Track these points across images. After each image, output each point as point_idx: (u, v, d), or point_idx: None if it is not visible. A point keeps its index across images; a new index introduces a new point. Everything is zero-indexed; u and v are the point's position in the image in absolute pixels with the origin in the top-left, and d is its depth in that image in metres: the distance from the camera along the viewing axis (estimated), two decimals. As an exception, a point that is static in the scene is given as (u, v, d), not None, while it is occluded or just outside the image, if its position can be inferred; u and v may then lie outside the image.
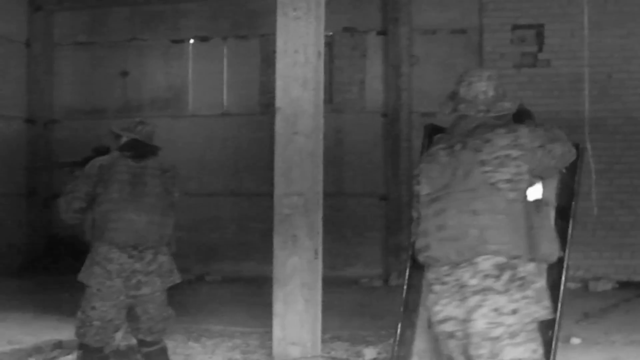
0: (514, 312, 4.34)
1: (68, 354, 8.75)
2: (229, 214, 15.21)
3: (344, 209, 14.58)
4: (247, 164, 14.91)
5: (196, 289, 13.57)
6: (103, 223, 6.56)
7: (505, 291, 4.35)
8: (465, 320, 4.41)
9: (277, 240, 8.23)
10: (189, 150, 15.57)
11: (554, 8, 13.89)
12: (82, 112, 16.22)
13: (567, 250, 5.13)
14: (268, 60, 14.02)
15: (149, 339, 6.85)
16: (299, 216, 8.18)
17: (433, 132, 5.40)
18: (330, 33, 14.15)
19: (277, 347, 8.12)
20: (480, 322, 4.36)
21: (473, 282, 4.39)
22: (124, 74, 16.09)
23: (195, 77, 15.86)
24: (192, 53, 15.92)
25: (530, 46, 14.07)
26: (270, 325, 8.22)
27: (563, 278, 5.18)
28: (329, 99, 13.71)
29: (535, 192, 4.51)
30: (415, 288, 5.64)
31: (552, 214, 4.83)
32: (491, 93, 4.65)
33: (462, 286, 4.43)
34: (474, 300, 4.38)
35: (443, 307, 4.51)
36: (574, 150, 4.66)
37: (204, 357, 8.90)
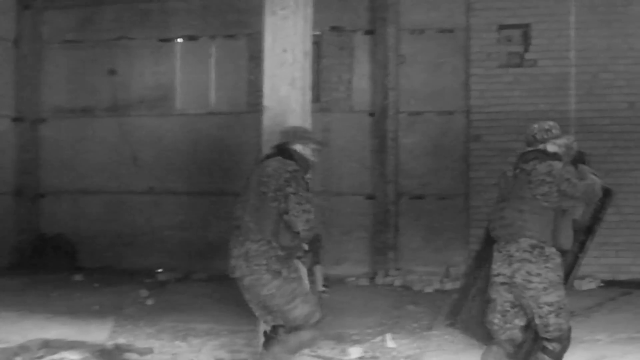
0: (538, 275, 6.56)
1: (54, 353, 8.76)
2: (216, 212, 15.21)
3: (331, 208, 14.61)
4: (235, 162, 14.90)
5: (183, 288, 13.58)
6: None
7: (535, 262, 6.58)
8: (510, 277, 6.67)
9: (264, 239, 8.24)
10: (176, 148, 15.59)
11: (541, 8, 13.92)
12: (71, 110, 16.20)
13: (583, 254, 7.12)
14: (256, 59, 14.01)
15: None
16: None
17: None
18: (318, 32, 14.16)
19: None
20: (518, 279, 6.62)
21: (516, 254, 6.65)
22: (113, 72, 16.08)
23: (183, 76, 15.86)
24: (180, 52, 15.92)
25: (516, 46, 14.10)
26: (256, 324, 8.24)
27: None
28: (316, 98, 13.74)
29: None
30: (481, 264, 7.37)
31: (570, 223, 6.77)
32: (539, 137, 6.85)
33: (510, 256, 6.68)
34: (516, 265, 6.64)
35: (498, 267, 6.77)
36: (597, 191, 6.75)
37: (191, 356, 8.93)
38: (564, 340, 6.75)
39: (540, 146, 6.78)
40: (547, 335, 6.69)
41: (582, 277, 12.80)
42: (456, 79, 14.40)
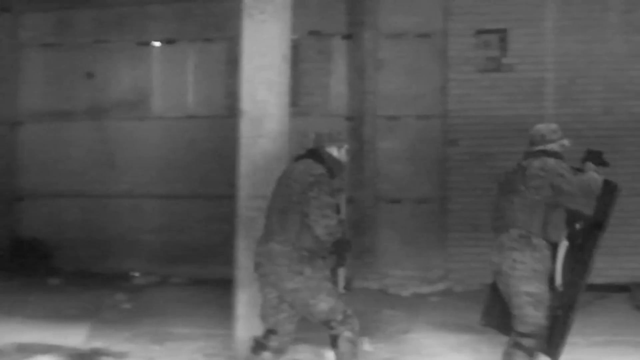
0: (523, 262, 6.76)
1: (30, 356, 8.74)
2: (194, 216, 15.20)
3: (309, 212, 14.60)
4: (212, 166, 14.89)
5: (160, 292, 13.56)
6: None
7: (522, 250, 6.79)
8: (499, 264, 6.91)
9: (239, 243, 8.27)
10: (154, 152, 15.56)
11: (518, 13, 13.99)
12: (48, 114, 16.14)
13: (596, 250, 7.15)
14: (234, 63, 13.94)
15: None
16: (263, 219, 8.22)
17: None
18: (297, 37, 14.17)
19: (240, 349, 8.15)
20: (505, 267, 6.85)
21: (507, 243, 6.87)
22: (91, 76, 16.03)
23: (161, 80, 15.83)
24: (159, 55, 15.89)
25: (494, 51, 14.16)
26: (233, 328, 8.25)
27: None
28: (294, 102, 13.69)
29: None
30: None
31: (563, 217, 6.93)
32: (548, 138, 7.13)
33: (501, 245, 6.92)
34: (505, 254, 6.86)
35: (492, 256, 7.02)
36: (594, 187, 6.89)
37: (167, 360, 8.93)
38: (539, 338, 6.79)
39: (548, 146, 7.07)
40: (522, 329, 6.77)
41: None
42: (434, 84, 14.43)
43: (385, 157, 14.64)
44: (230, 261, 8.45)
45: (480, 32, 14.17)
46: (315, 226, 6.52)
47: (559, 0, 13.98)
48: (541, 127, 7.19)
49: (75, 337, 9.73)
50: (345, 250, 6.91)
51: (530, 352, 6.79)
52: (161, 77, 15.82)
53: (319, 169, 6.74)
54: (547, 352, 7.05)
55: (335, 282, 6.92)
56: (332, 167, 6.86)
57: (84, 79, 16.03)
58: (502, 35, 14.11)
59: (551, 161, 6.90)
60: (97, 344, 9.43)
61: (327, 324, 6.75)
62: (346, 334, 6.75)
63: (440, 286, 13.78)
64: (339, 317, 6.73)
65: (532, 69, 13.97)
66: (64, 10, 16.12)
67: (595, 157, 7.19)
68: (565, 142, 7.17)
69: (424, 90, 14.49)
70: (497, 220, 7.06)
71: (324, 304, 6.67)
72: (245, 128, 8.25)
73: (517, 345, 6.80)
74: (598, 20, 13.89)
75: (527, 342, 6.78)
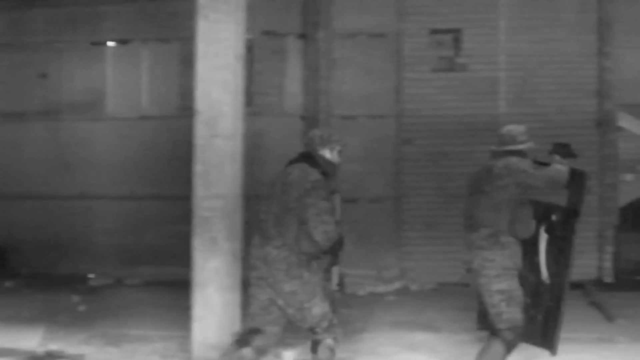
0: (492, 261, 6.99)
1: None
2: (150, 217, 15.13)
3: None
4: (167, 166, 14.82)
5: (116, 293, 13.49)
6: None
7: (490, 249, 7.01)
8: (469, 262, 7.16)
9: (196, 243, 8.25)
10: (108, 153, 15.46)
11: (472, 13, 14.09)
12: (1, 115, 15.99)
13: (574, 236, 7.40)
14: (188, 64, 13.92)
15: None
16: (219, 219, 8.22)
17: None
18: (252, 36, 14.16)
19: (197, 350, 8.15)
20: (475, 265, 7.09)
21: (476, 242, 7.09)
22: (43, 76, 15.89)
23: (114, 80, 15.74)
24: (112, 56, 15.80)
25: (448, 50, 14.25)
26: (190, 329, 8.23)
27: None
28: (249, 102, 13.70)
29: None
30: None
31: (530, 213, 7.15)
32: (507, 138, 7.34)
33: (471, 243, 7.15)
34: (475, 252, 7.10)
35: (464, 254, 7.25)
36: (560, 178, 7.13)
37: (123, 362, 8.89)
38: (517, 331, 7.02)
39: (518, 147, 7.30)
40: (500, 326, 6.98)
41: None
42: (388, 83, 14.48)
43: (340, 156, 14.63)
44: (187, 262, 8.42)
45: (434, 32, 14.26)
46: (315, 232, 6.57)
47: (512, 0, 14.10)
48: (512, 128, 7.40)
49: (30, 340, 9.64)
50: (339, 250, 6.99)
51: (508, 344, 7.00)
52: (115, 77, 15.73)
53: (315, 175, 6.76)
54: (544, 345, 7.38)
55: (329, 280, 7.00)
56: (326, 170, 6.90)
57: (36, 79, 15.89)
58: (455, 35, 14.21)
59: (514, 160, 7.13)
60: (52, 346, 9.36)
61: (312, 329, 6.82)
62: (328, 341, 6.84)
63: (396, 285, 13.83)
64: (325, 324, 6.81)
65: (485, 68, 14.08)
66: (16, 10, 15.97)
67: (562, 150, 7.42)
68: (531, 144, 7.39)
69: (378, 90, 14.53)
70: (468, 220, 7.27)
71: (318, 309, 6.75)
72: (200, 128, 8.25)
73: (497, 339, 7.02)
74: (550, 21, 14.03)
75: (506, 335, 6.98)
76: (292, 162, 6.99)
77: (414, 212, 14.13)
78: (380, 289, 13.36)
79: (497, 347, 6.98)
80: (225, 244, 8.23)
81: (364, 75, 14.60)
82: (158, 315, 10.96)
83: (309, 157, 6.94)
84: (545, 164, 7.28)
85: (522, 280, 7.12)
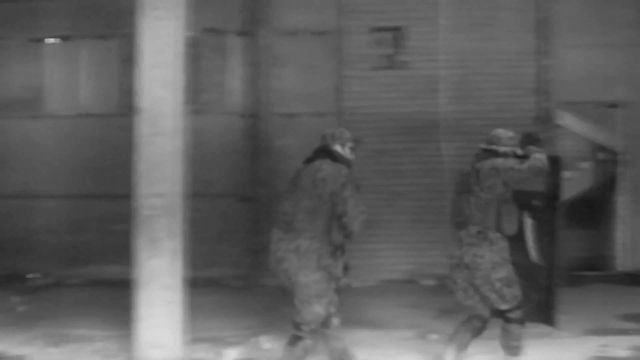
0: (483, 256, 7.53)
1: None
2: (91, 215, 15.00)
3: (206, 210, 14.52)
4: (109, 165, 14.70)
5: (57, 293, 13.38)
6: None
7: (480, 245, 7.55)
8: (460, 258, 7.64)
9: (138, 242, 8.22)
10: (48, 151, 15.30)
11: (412, 11, 14.15)
12: (-64, 113, 15.78)
13: (558, 215, 8.15)
14: (129, 61, 13.86)
15: None
16: (160, 217, 8.20)
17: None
18: (194, 34, 14.08)
19: (139, 350, 8.11)
20: (467, 260, 7.59)
21: (466, 239, 7.62)
22: (-20, 73, 15.71)
23: (53, 77, 15.57)
24: (51, 53, 15.63)
25: (388, 48, 14.31)
26: (132, 329, 8.19)
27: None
28: (191, 99, 13.64)
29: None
30: None
31: (514, 210, 7.72)
32: (494, 139, 7.93)
33: (460, 240, 7.68)
34: (464, 248, 7.62)
35: (451, 250, 7.73)
36: (541, 165, 7.56)
37: (65, 362, 8.83)
38: (522, 306, 7.72)
39: (501, 149, 7.87)
40: (505, 307, 7.65)
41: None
42: (329, 81, 14.51)
43: (281, 155, 14.65)
44: (129, 261, 8.38)
45: (374, 29, 14.31)
46: (354, 223, 7.20)
47: (453, -2, 14.22)
48: (500, 131, 8.05)
49: (-31, 341, 9.56)
50: (349, 239, 7.36)
51: (521, 321, 7.73)
52: (54, 74, 15.56)
53: (344, 169, 7.40)
54: (546, 321, 8.32)
55: (337, 268, 7.42)
56: (346, 164, 7.50)
57: (-27, 77, 15.69)
58: (396, 33, 14.26)
59: (499, 160, 7.69)
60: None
61: (298, 325, 7.25)
62: (308, 342, 7.29)
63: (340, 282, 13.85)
64: (314, 326, 7.23)
65: (426, 66, 14.15)
66: (-49, 6, 15.77)
67: (531, 139, 8.01)
68: (517, 149, 7.93)
69: (319, 88, 14.55)
70: (456, 218, 7.82)
71: (320, 308, 7.23)
72: (142, 126, 8.22)
73: (509, 320, 7.72)
74: (491, 19, 14.15)
75: (515, 313, 7.68)
76: (310, 159, 7.62)
77: (356, 209, 14.16)
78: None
79: (516, 329, 7.70)
80: (166, 242, 8.21)
81: (304, 73, 14.61)
82: (99, 315, 10.90)
83: (330, 154, 7.52)
84: (525, 157, 7.77)
85: (515, 265, 7.71)
